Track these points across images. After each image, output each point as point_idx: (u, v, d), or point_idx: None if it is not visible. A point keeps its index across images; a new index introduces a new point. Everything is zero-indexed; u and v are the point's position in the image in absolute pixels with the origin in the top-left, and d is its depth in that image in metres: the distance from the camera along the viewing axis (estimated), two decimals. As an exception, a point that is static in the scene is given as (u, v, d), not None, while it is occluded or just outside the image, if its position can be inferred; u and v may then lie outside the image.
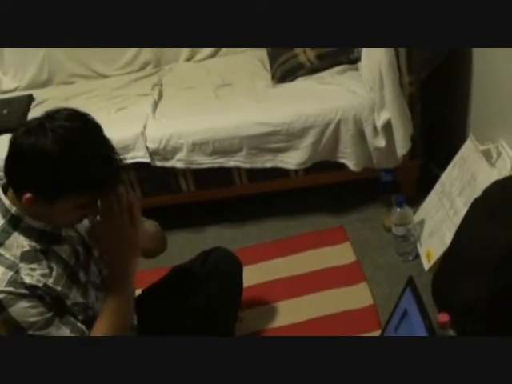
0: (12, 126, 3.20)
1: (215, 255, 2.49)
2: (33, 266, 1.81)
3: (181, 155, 3.06)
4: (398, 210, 2.81)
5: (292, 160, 3.05)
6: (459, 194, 2.71)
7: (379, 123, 2.93)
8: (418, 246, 2.89)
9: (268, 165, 3.09)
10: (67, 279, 1.91)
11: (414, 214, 2.96)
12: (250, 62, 3.61)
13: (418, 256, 2.88)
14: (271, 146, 3.03)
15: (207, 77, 3.54)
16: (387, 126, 2.92)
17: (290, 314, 2.76)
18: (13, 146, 1.76)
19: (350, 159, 3.03)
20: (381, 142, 2.96)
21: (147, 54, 3.80)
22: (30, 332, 1.79)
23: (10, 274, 1.76)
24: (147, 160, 3.09)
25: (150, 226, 2.28)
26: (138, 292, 2.49)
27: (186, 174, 3.18)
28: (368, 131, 2.96)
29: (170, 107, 3.28)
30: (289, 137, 3.00)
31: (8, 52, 3.87)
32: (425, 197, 3.01)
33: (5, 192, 1.86)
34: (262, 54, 3.61)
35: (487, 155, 2.64)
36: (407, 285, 2.24)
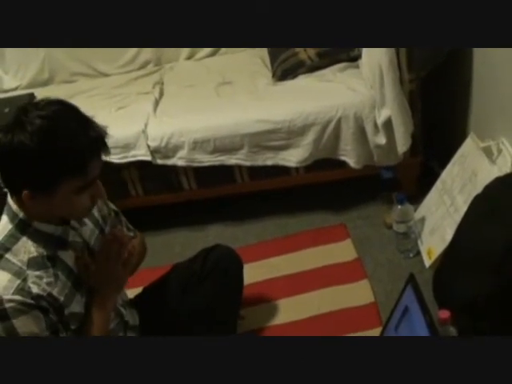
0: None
1: (216, 253, 2.48)
2: (39, 273, 1.81)
3: (182, 153, 3.07)
4: (399, 207, 2.82)
5: (293, 158, 3.06)
6: (460, 191, 2.71)
7: (380, 121, 2.93)
8: (419, 243, 2.90)
9: (269, 162, 3.10)
10: (71, 287, 1.91)
11: (415, 211, 2.95)
12: (251, 60, 3.63)
13: (418, 253, 2.89)
14: (272, 144, 3.04)
15: (208, 75, 3.55)
16: (388, 124, 2.93)
17: (291, 311, 2.76)
18: None
19: (350, 157, 3.04)
20: (381, 140, 2.97)
21: (148, 52, 3.83)
22: None
23: (18, 281, 1.76)
24: (148, 158, 3.10)
25: (138, 247, 2.27)
26: (139, 290, 2.50)
27: (187, 172, 3.18)
28: (369, 129, 2.96)
29: (171, 105, 3.29)
30: (290, 134, 3.00)
31: (9, 51, 3.89)
32: (425, 194, 3.01)
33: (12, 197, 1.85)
34: (262, 52, 3.62)
35: (488, 152, 2.64)
36: (408, 282, 2.24)
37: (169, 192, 3.27)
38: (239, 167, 3.16)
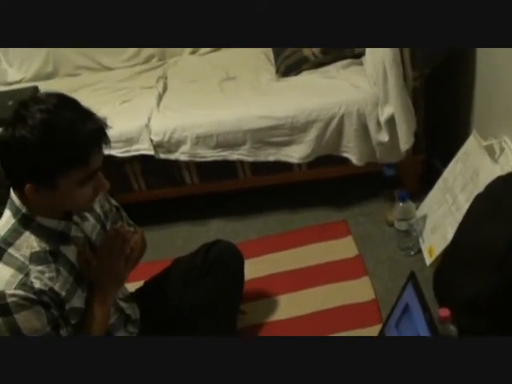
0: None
1: (217, 248, 2.49)
2: (42, 268, 1.82)
3: (185, 148, 3.07)
4: (401, 204, 2.82)
5: (295, 154, 3.06)
6: (462, 190, 2.71)
7: (382, 118, 2.93)
8: (420, 241, 2.90)
9: (271, 158, 3.10)
10: (73, 282, 1.92)
11: (417, 208, 2.96)
12: (255, 55, 3.62)
13: (419, 251, 2.89)
14: (275, 140, 3.04)
15: (212, 70, 3.55)
16: (391, 121, 2.93)
17: (291, 307, 2.77)
18: None
19: (353, 153, 3.04)
20: (384, 137, 2.97)
21: (152, 47, 3.82)
22: None
23: (20, 276, 1.77)
24: (151, 152, 3.10)
25: (140, 243, 2.27)
26: (140, 284, 2.50)
27: (189, 167, 3.19)
28: (371, 126, 2.96)
29: (175, 100, 3.29)
30: (292, 131, 3.01)
31: (14, 44, 3.89)
32: (427, 192, 3.01)
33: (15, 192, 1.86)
34: (266, 47, 3.61)
35: (490, 151, 2.64)
36: (409, 280, 2.25)
37: (171, 186, 3.28)
38: (241, 162, 3.16)
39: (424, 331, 2.07)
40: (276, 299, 2.82)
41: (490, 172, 2.54)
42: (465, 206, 2.54)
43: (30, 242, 1.83)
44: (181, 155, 3.10)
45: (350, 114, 2.95)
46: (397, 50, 2.79)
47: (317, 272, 2.93)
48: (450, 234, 2.58)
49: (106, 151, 1.84)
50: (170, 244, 3.26)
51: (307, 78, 3.22)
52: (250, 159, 3.11)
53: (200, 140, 3.05)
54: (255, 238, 3.22)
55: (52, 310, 1.83)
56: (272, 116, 3.00)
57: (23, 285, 1.77)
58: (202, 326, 2.32)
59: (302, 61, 3.24)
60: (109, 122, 1.81)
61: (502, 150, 2.61)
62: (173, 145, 3.08)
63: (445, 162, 2.96)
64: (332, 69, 3.21)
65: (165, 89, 3.44)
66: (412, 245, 2.91)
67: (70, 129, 1.71)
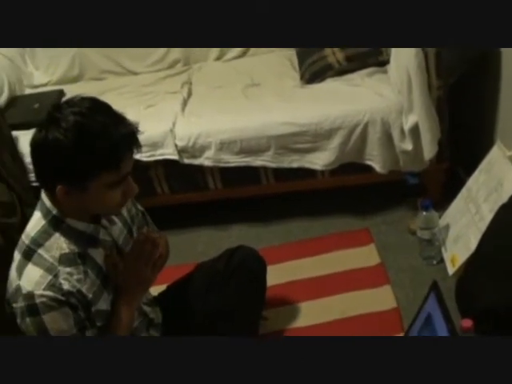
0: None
1: (240, 254, 2.49)
2: (70, 270, 1.84)
3: (209, 153, 3.09)
4: (424, 213, 2.81)
5: (319, 161, 3.06)
6: (485, 200, 2.70)
7: (407, 126, 2.93)
8: (443, 250, 2.89)
9: (295, 165, 3.10)
10: (100, 285, 1.94)
11: (440, 217, 2.94)
12: (279, 61, 3.63)
13: (442, 260, 2.87)
14: (298, 147, 3.05)
15: (236, 76, 3.56)
16: (414, 130, 2.92)
17: (313, 314, 2.77)
18: (30, 148, 1.79)
19: (376, 161, 3.04)
20: (408, 146, 2.96)
21: (177, 52, 3.84)
22: None
23: (50, 277, 1.79)
24: (176, 157, 3.12)
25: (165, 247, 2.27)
26: (163, 288, 2.51)
27: (213, 172, 3.20)
28: (395, 134, 2.96)
29: (199, 106, 3.31)
30: (316, 137, 3.01)
31: (40, 47, 3.92)
32: (450, 201, 2.99)
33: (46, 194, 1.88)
34: (290, 54, 3.63)
35: (515, 161, 2.63)
36: (431, 289, 2.24)
37: (194, 191, 3.29)
38: (265, 168, 3.17)
39: (446, 341, 2.06)
40: (297, 306, 2.82)
41: (515, 182, 2.54)
42: (488, 216, 2.53)
43: (59, 244, 1.85)
44: (205, 160, 3.12)
45: (374, 122, 2.95)
46: (422, 58, 2.79)
47: (338, 280, 2.93)
48: (473, 243, 2.57)
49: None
50: (191, 248, 3.27)
51: (331, 85, 3.22)
52: (274, 165, 3.12)
53: (224, 146, 3.07)
54: (277, 244, 3.22)
55: (79, 312, 1.85)
56: (296, 122, 3.01)
57: (52, 286, 1.79)
58: (224, 331, 2.32)
59: (327, 68, 3.24)
60: (139, 126, 1.83)
61: (527, 160, 2.60)
62: (197, 150, 3.10)
63: (468, 172, 2.95)
64: (356, 76, 3.22)
65: (189, 94, 3.46)
66: (434, 254, 2.90)
67: (102, 132, 1.73)
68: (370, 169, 3.10)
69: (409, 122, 2.91)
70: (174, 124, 3.14)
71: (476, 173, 2.87)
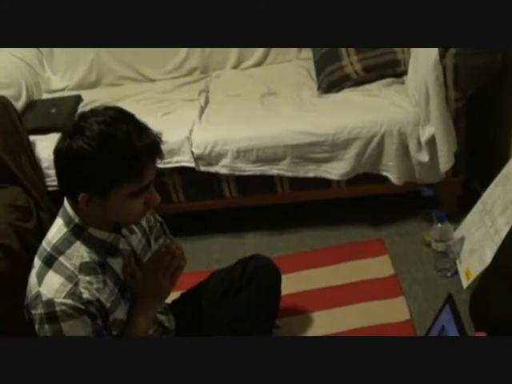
0: (60, 126, 3.25)
1: (255, 263, 2.50)
2: (90, 278, 1.85)
3: (225, 161, 3.10)
4: (439, 225, 2.80)
5: (335, 171, 3.07)
6: (501, 213, 2.69)
7: (423, 138, 2.93)
8: (458, 262, 2.88)
9: (311, 174, 3.11)
10: (118, 294, 1.95)
11: (455, 230, 2.94)
12: (296, 71, 3.64)
13: (456, 273, 2.87)
14: (315, 156, 3.05)
15: (253, 85, 3.57)
16: (431, 142, 2.92)
17: (326, 324, 2.77)
18: (54, 155, 1.80)
19: (392, 172, 3.04)
20: (424, 157, 2.96)
21: (194, 59, 3.84)
22: None
23: (70, 285, 1.80)
24: (192, 165, 3.13)
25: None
26: (177, 295, 2.52)
27: (229, 180, 3.21)
28: (412, 145, 2.96)
29: (216, 114, 3.32)
30: (333, 147, 3.01)
31: (58, 52, 3.93)
32: (466, 214, 2.99)
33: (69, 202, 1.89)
34: (308, 63, 3.63)
35: (531, 175, 2.63)
36: (446, 302, 2.24)
37: (210, 199, 3.30)
38: (281, 177, 3.17)
39: (460, 354, 2.05)
40: (311, 316, 2.82)
41: (531, 196, 2.53)
42: (504, 230, 2.52)
43: (80, 252, 1.86)
44: (221, 168, 3.13)
45: (390, 133, 2.95)
46: (440, 70, 2.79)
47: (352, 290, 2.93)
48: (488, 256, 2.57)
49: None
50: (205, 256, 3.28)
51: (349, 95, 3.23)
52: (290, 174, 3.12)
53: (240, 154, 3.07)
54: (291, 253, 3.22)
55: (97, 321, 1.86)
56: (313, 132, 3.01)
57: (72, 294, 1.80)
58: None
59: (344, 78, 3.25)
60: (162, 136, 1.85)
61: (544, 174, 2.60)
62: (213, 158, 3.11)
63: (484, 185, 2.94)
64: (374, 87, 3.22)
65: (206, 102, 3.47)
66: (449, 266, 2.89)
67: (126, 141, 1.75)
68: (385, 179, 3.10)
69: (426, 133, 2.91)
70: (190, 131, 3.15)
71: (492, 186, 2.86)
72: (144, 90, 3.76)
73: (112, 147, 1.73)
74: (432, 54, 2.78)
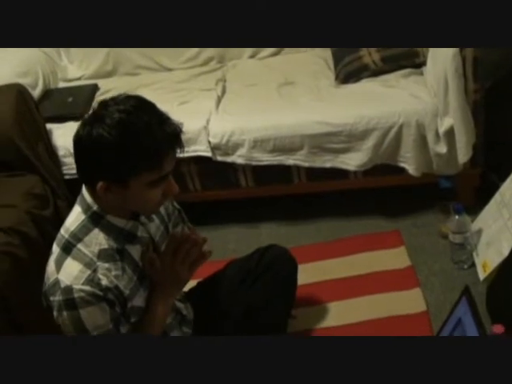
0: (76, 114, 3.27)
1: (272, 253, 2.50)
2: (108, 265, 1.86)
3: (242, 151, 3.10)
4: (457, 217, 2.79)
5: (352, 161, 3.06)
6: (519, 205, 2.69)
7: (442, 129, 2.91)
8: (474, 255, 2.87)
9: (327, 165, 3.10)
10: (136, 281, 1.95)
11: (472, 222, 2.92)
12: (314, 61, 3.62)
13: (473, 265, 2.86)
14: (332, 146, 3.04)
15: (270, 75, 3.56)
16: (450, 133, 2.91)
17: (341, 314, 2.77)
18: (73, 143, 1.80)
19: (410, 164, 3.02)
20: (442, 149, 2.95)
21: (211, 49, 3.83)
22: (93, 334, 1.83)
23: (88, 272, 1.81)
24: (209, 154, 3.13)
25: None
26: (193, 283, 2.52)
27: (245, 170, 3.21)
28: (430, 137, 2.95)
29: (233, 103, 3.31)
30: (350, 138, 3.00)
31: (75, 41, 3.93)
32: (483, 206, 2.97)
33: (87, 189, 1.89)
34: (325, 53, 3.61)
35: (550, 167, 2.61)
36: (463, 294, 2.23)
37: (226, 188, 3.30)
38: (297, 167, 3.17)
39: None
40: (326, 306, 2.82)
41: (550, 189, 2.51)
42: (521, 222, 2.52)
43: (98, 239, 1.86)
44: (238, 158, 3.13)
45: (408, 124, 2.94)
46: (459, 61, 2.77)
47: (368, 281, 2.93)
48: (505, 249, 2.56)
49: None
50: (221, 245, 3.27)
51: (366, 85, 3.21)
52: (306, 164, 3.11)
53: (257, 144, 3.07)
54: (307, 243, 3.22)
55: (116, 308, 1.86)
56: (330, 122, 3.00)
57: (91, 281, 1.80)
58: (254, 328, 2.33)
59: (362, 68, 3.23)
60: (182, 127, 1.85)
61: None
62: (230, 147, 3.11)
63: (502, 177, 2.93)
64: (392, 78, 3.20)
65: (224, 92, 3.46)
66: (466, 258, 2.88)
67: (146, 131, 1.74)
68: (402, 171, 3.08)
69: (444, 124, 2.90)
70: (207, 121, 3.15)
71: (510, 178, 2.85)
72: (160, 79, 3.76)
73: (132, 136, 1.73)
74: (451, 45, 2.76)
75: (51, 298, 1.83)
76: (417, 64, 3.22)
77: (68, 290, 1.79)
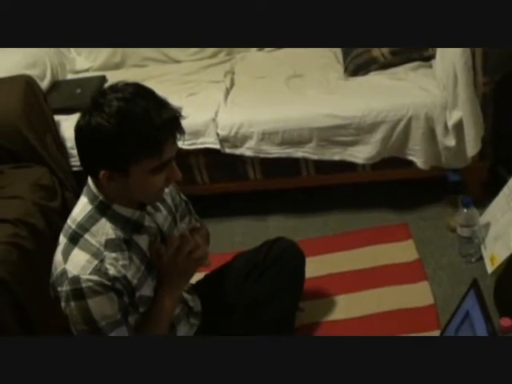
0: (84, 106, 3.26)
1: (280, 245, 2.50)
2: (116, 255, 1.86)
3: (250, 143, 3.09)
4: (465, 210, 2.78)
5: (360, 154, 3.05)
6: (528, 199, 2.68)
7: (450, 122, 2.91)
8: (482, 248, 2.86)
9: (336, 157, 3.09)
10: (144, 271, 1.95)
11: (480, 215, 2.92)
12: (323, 53, 3.61)
13: (481, 258, 2.85)
14: (340, 139, 3.04)
15: (279, 67, 3.55)
16: (458, 126, 2.90)
17: (349, 307, 2.77)
18: (75, 132, 1.80)
19: (418, 157, 3.02)
20: (451, 142, 2.94)
21: (220, 41, 3.82)
22: (101, 325, 1.84)
23: (95, 262, 1.81)
24: (217, 147, 3.13)
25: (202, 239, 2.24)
26: (200, 276, 2.52)
27: (253, 163, 3.21)
28: (439, 130, 2.94)
29: (242, 96, 3.31)
30: (359, 131, 3.00)
31: (84, 32, 3.93)
32: (491, 199, 2.96)
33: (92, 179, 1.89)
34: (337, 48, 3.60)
35: (559, 161, 2.60)
36: (471, 287, 2.22)
37: (234, 181, 3.30)
38: (306, 160, 3.16)
39: (485, 340, 2.04)
40: (334, 299, 2.82)
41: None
42: (530, 216, 2.51)
43: (105, 229, 1.87)
44: (246, 150, 3.12)
45: (417, 117, 2.93)
46: (468, 54, 2.76)
47: (375, 274, 2.92)
48: (514, 242, 2.56)
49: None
50: (228, 237, 3.28)
51: (375, 78, 3.20)
52: (315, 157, 3.11)
53: (266, 136, 3.07)
54: (314, 236, 3.21)
55: (124, 298, 1.86)
56: (339, 115, 3.00)
57: (98, 270, 1.80)
58: (261, 321, 2.34)
59: (371, 61, 3.23)
60: (182, 111, 1.83)
61: None
62: (238, 140, 3.10)
63: (511, 170, 2.92)
64: (401, 70, 3.20)
65: (232, 84, 3.46)
66: (473, 252, 2.87)
67: (145, 117, 1.74)
68: (411, 164, 3.08)
69: (453, 117, 2.89)
70: (216, 113, 3.15)
71: (519, 172, 2.85)
72: (169, 71, 3.76)
73: (130, 123, 1.73)
74: (461, 38, 2.75)
75: (59, 289, 1.83)
76: (426, 57, 3.21)
77: (75, 280, 1.79)
